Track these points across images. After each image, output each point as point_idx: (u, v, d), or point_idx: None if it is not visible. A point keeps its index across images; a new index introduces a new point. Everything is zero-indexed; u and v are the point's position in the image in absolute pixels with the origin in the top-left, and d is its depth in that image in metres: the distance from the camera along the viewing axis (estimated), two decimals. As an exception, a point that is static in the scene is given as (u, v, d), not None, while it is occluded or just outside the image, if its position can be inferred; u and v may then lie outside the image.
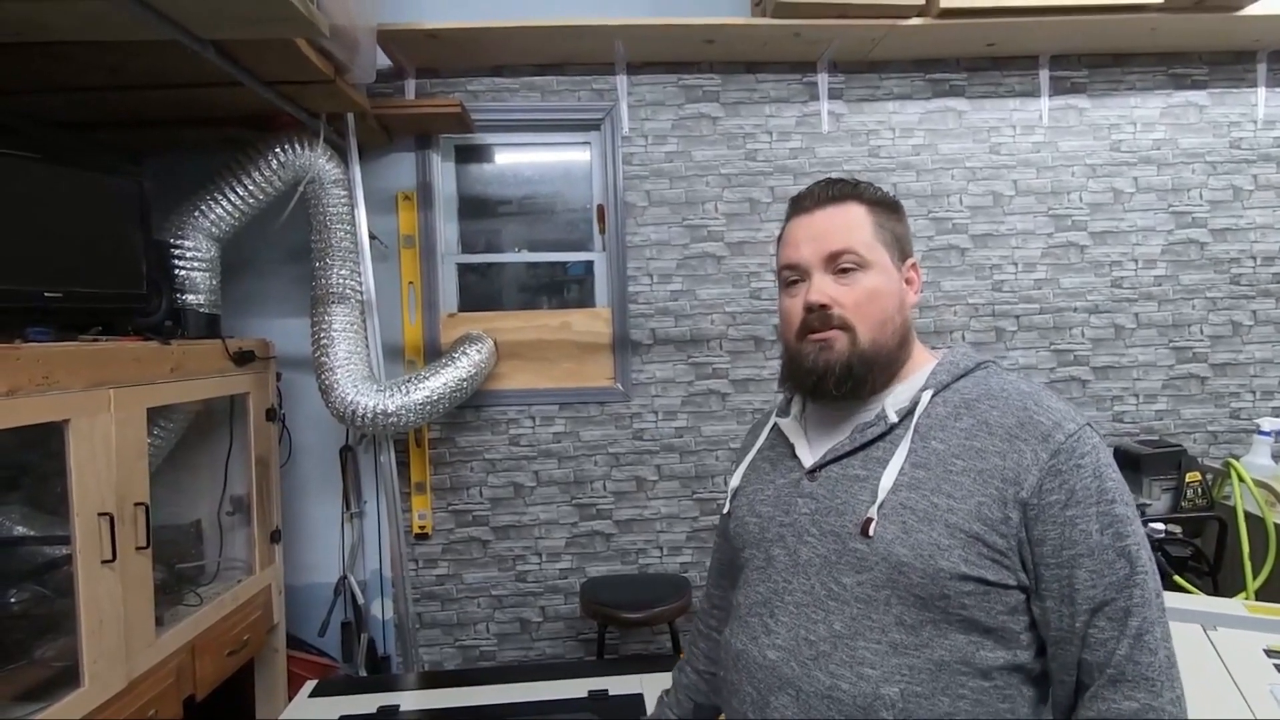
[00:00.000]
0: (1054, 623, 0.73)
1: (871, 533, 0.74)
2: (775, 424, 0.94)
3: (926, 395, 0.81)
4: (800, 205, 0.87)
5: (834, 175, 0.91)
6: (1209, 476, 2.23)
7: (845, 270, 0.82)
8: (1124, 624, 0.71)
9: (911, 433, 0.79)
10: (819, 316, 0.81)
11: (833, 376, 0.81)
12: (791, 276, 0.85)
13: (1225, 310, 2.51)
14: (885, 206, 0.86)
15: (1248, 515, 2.06)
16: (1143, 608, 0.71)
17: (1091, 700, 0.72)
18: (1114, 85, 2.48)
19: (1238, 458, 2.22)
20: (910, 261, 0.87)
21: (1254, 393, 2.53)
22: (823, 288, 0.81)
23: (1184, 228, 2.50)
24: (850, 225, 0.83)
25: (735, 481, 0.95)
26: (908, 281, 0.86)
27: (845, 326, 0.81)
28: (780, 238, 0.91)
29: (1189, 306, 2.51)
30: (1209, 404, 2.52)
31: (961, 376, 0.82)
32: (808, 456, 0.86)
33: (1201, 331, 2.51)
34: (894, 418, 0.81)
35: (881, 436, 0.81)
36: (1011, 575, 0.73)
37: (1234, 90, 2.49)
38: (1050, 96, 2.46)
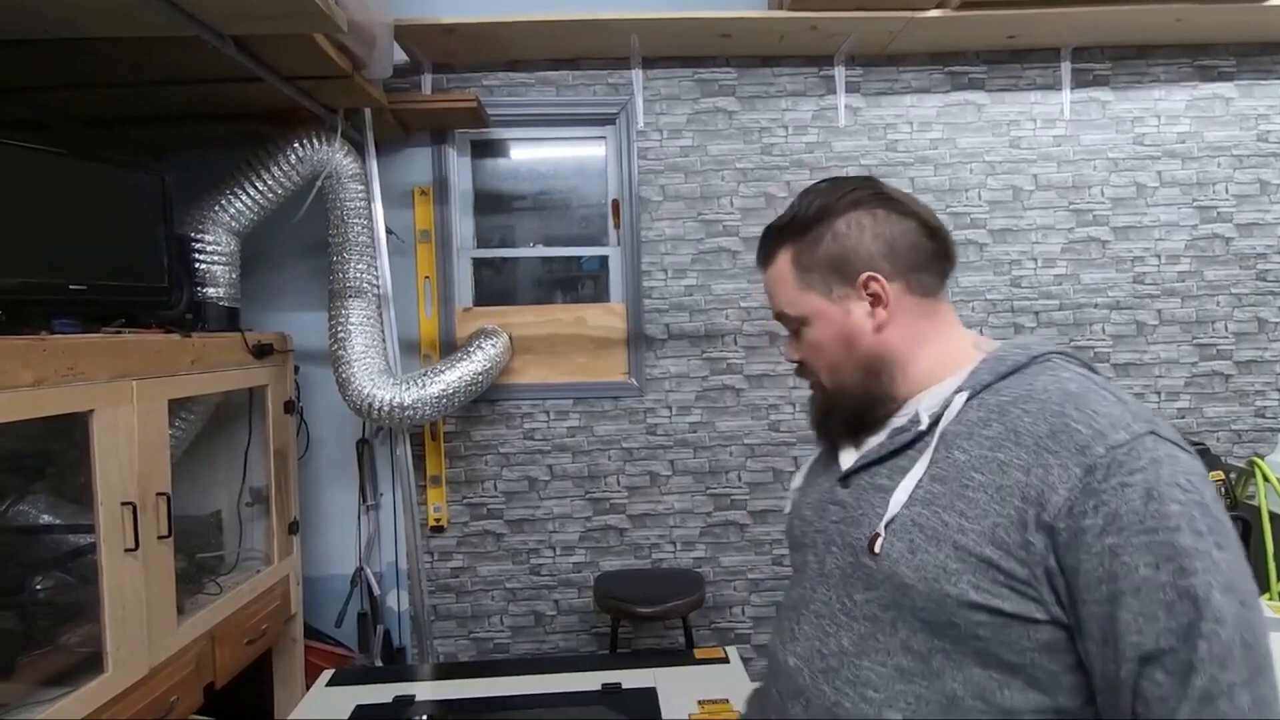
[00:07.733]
0: (1098, 667, 0.62)
1: (878, 549, 0.70)
2: None
3: (959, 398, 0.72)
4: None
5: (767, 225, 0.85)
6: (1232, 476, 2.19)
7: (795, 331, 0.84)
8: (1187, 681, 0.57)
9: (936, 441, 0.71)
10: (799, 371, 0.87)
11: (815, 422, 0.86)
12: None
13: (1250, 307, 2.47)
14: (808, 236, 0.79)
15: (1272, 515, 2.03)
16: (1211, 664, 0.56)
17: None
18: (1138, 77, 2.43)
19: (1262, 457, 2.18)
20: (864, 277, 0.77)
21: (1279, 390, 2.49)
22: (790, 346, 0.86)
23: (1209, 223, 2.45)
24: (777, 285, 0.83)
25: (797, 481, 0.93)
26: (874, 298, 0.77)
27: (816, 377, 0.84)
28: None
29: (1213, 303, 2.46)
30: (1233, 402, 2.48)
31: (1010, 374, 0.71)
32: (845, 460, 0.82)
33: (1226, 328, 2.47)
34: (925, 422, 0.73)
35: (911, 444, 0.74)
36: (1040, 608, 0.63)
37: (1262, 82, 2.44)
38: (1072, 89, 2.42)
